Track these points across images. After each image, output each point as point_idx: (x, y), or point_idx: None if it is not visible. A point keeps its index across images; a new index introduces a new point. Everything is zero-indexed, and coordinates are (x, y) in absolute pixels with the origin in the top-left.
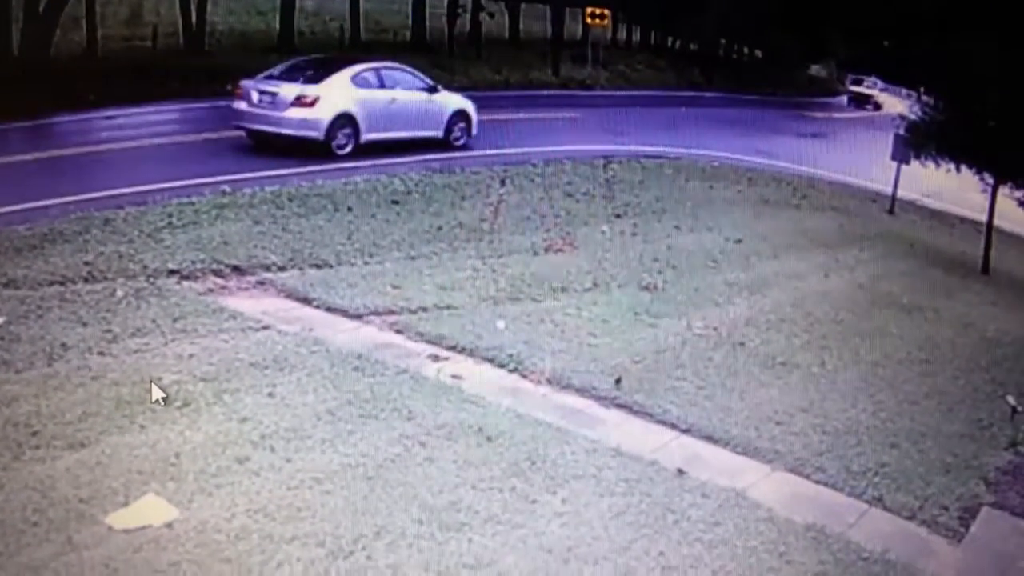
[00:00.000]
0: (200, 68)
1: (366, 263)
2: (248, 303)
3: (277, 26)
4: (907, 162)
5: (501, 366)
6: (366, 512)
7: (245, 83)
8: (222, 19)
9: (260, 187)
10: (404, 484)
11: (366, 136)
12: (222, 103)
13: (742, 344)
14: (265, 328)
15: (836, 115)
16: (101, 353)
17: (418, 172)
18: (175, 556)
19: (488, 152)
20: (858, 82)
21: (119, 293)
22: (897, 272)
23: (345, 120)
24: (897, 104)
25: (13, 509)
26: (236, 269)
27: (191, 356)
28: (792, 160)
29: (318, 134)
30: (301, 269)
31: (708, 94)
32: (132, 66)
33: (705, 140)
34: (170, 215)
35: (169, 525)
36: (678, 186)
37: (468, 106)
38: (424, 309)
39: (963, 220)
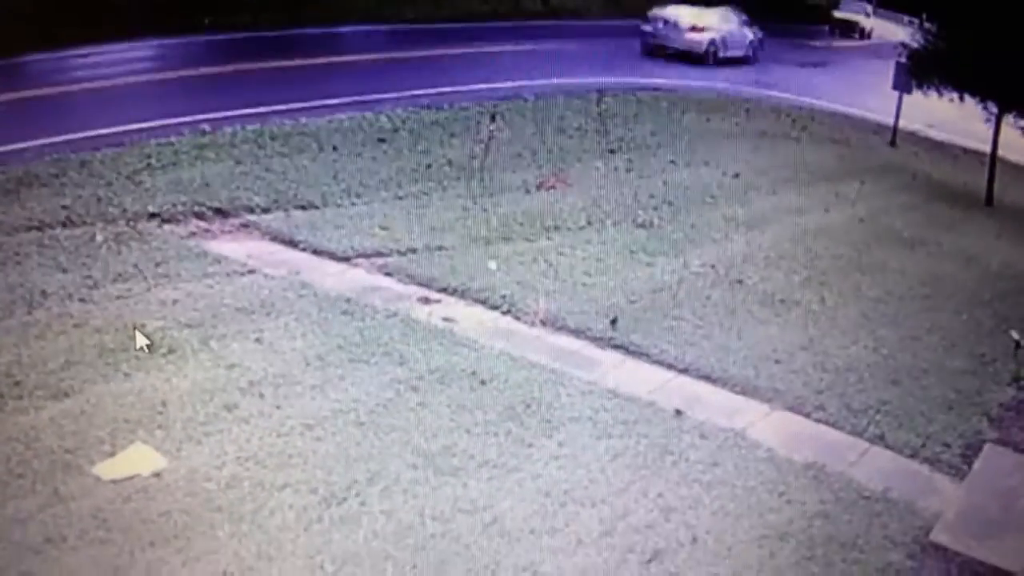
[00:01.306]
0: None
1: (353, 204)
2: (232, 246)
3: None
4: (909, 92)
5: (493, 308)
6: (359, 458)
7: (652, 13)
8: None
9: (241, 126)
10: (397, 429)
11: (721, 54)
12: (200, 39)
13: (740, 282)
14: (251, 272)
15: (837, 44)
16: (82, 300)
17: (404, 108)
18: (165, 506)
19: (477, 87)
20: (836, 4)
21: (99, 238)
22: (898, 205)
23: (715, 43)
24: (896, 31)
25: None
26: (219, 211)
27: (175, 302)
28: (792, 91)
29: (700, 50)
30: (286, 211)
31: None
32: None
33: (702, 71)
34: (149, 156)
35: (158, 474)
36: (674, 119)
37: (758, 35)
38: (413, 250)
39: (967, 151)
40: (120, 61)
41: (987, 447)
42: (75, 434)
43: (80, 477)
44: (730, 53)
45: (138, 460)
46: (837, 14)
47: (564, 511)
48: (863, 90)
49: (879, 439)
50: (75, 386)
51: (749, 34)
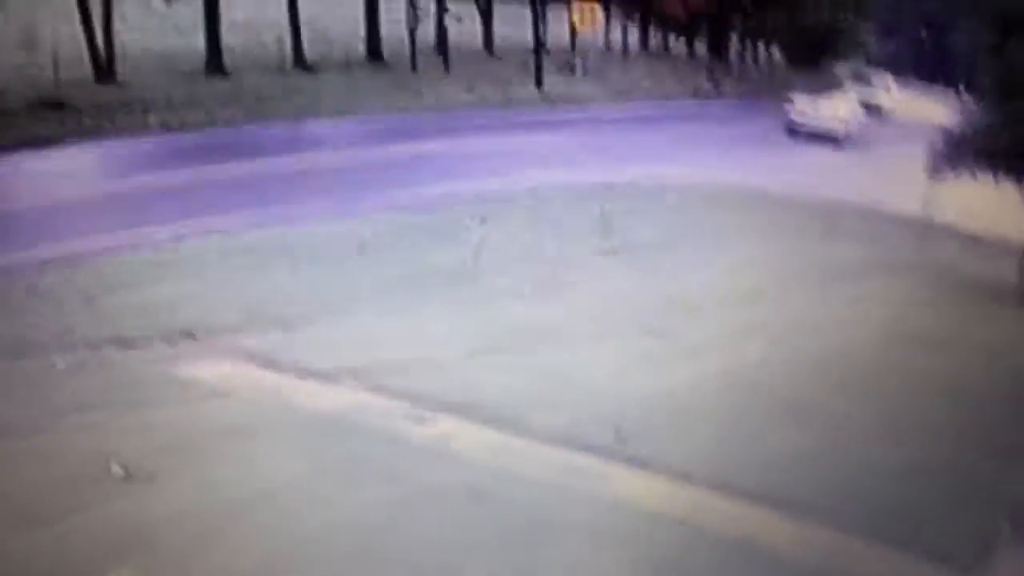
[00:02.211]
0: (113, 102)
1: (334, 319)
2: (204, 370)
3: (202, 45)
4: (944, 179)
5: (493, 424)
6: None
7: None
8: (132, 39)
9: (204, 239)
10: (393, 550)
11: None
12: (148, 141)
13: (757, 389)
14: (226, 395)
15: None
16: (48, 431)
17: (384, 213)
18: None
19: (462, 186)
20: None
21: (59, 366)
22: (926, 303)
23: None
24: (927, 110)
25: None
26: (187, 334)
27: (148, 428)
28: (813, 180)
29: (838, 135)
30: (261, 330)
31: (717, 104)
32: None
33: (714, 160)
34: (104, 276)
35: None
36: (685, 217)
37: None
38: (403, 367)
39: (1003, 242)
40: (43, 173)
41: (1004, 546)
42: (54, 565)
43: None
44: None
45: None
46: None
47: None
48: (891, 178)
49: (897, 544)
50: (51, 515)
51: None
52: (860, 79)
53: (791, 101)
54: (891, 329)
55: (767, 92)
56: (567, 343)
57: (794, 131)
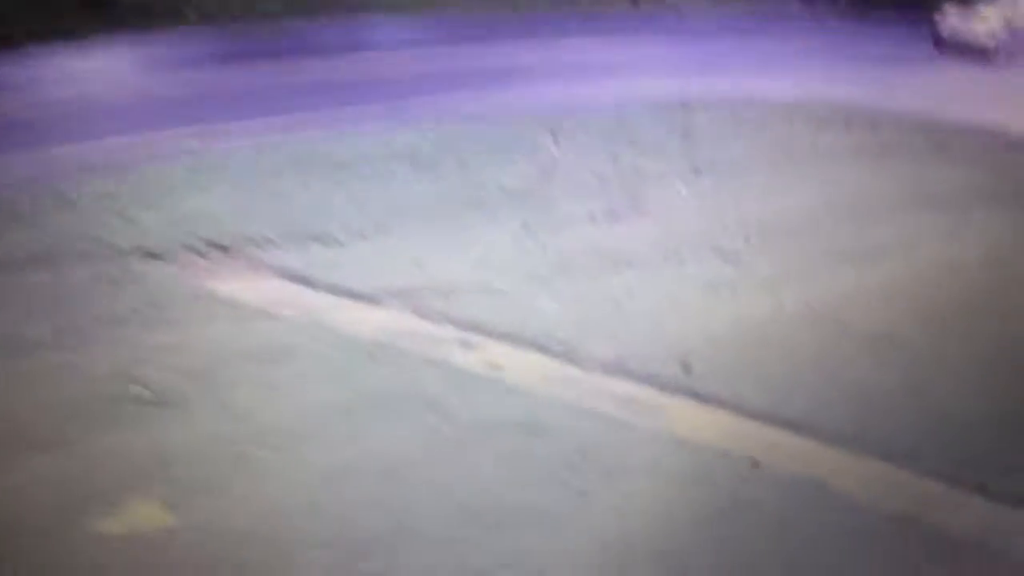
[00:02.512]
0: None
1: (381, 237)
2: (240, 287)
3: None
4: None
5: (548, 353)
6: (391, 511)
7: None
8: None
9: (242, 144)
10: (434, 483)
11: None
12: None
13: (840, 322)
14: (260, 315)
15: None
16: (72, 348)
17: (448, 121)
18: (174, 563)
19: (536, 94)
20: None
21: (86, 279)
22: None
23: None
24: None
25: None
26: (223, 248)
27: (178, 348)
28: (936, 97)
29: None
30: (301, 245)
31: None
32: None
33: (821, 74)
34: (137, 185)
35: (164, 530)
36: (776, 135)
37: None
38: (455, 290)
39: None
40: (80, 70)
41: None
42: (72, 489)
43: (80, 534)
44: None
45: (142, 516)
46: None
47: (620, 564)
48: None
49: (981, 489)
50: (70, 439)
51: None
52: None
53: (940, 11)
54: (1001, 268)
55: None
56: (636, 269)
57: (941, 44)
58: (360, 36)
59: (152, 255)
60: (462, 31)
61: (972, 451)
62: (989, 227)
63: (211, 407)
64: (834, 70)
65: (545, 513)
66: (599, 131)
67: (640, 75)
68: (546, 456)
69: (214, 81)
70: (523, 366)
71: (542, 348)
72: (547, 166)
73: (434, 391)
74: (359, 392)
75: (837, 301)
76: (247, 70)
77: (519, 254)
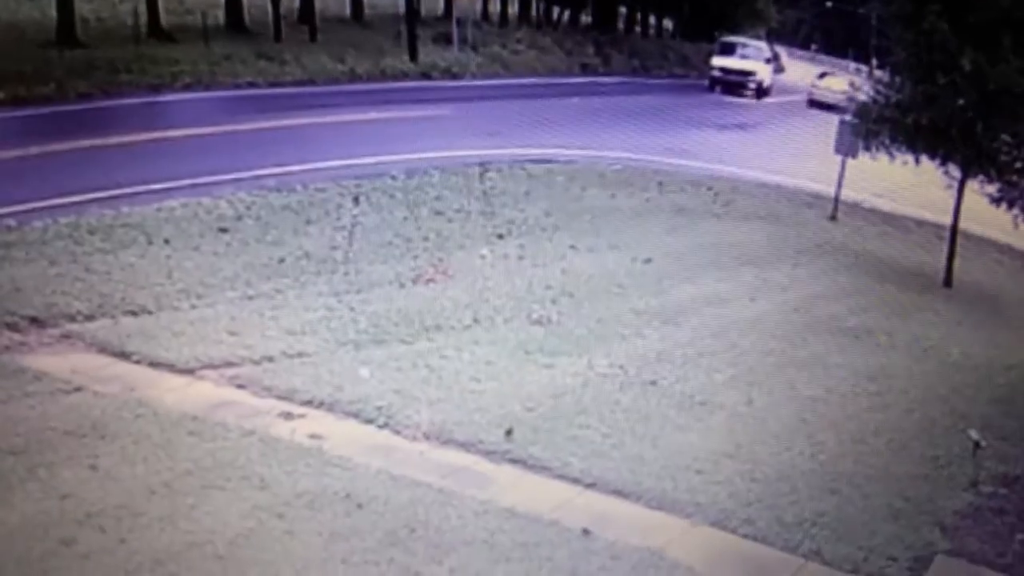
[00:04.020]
0: None
1: (193, 307)
2: (53, 361)
3: (54, 15)
4: (854, 156)
5: (368, 421)
6: None
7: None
8: None
9: (53, 219)
10: (261, 563)
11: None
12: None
13: (654, 383)
14: (77, 390)
15: (768, 100)
16: None
17: (248, 192)
18: None
19: (334, 164)
20: (727, 48)
21: None
22: (840, 290)
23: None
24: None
25: None
26: (34, 321)
27: None
28: (713, 159)
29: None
30: (113, 317)
31: (606, 79)
32: None
33: (604, 138)
34: None
35: None
36: (573, 197)
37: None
38: (270, 359)
39: (922, 224)
40: None
41: (938, 559)
42: None
43: None
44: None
45: None
46: (720, 62)
47: None
48: (796, 154)
49: (815, 554)
50: None
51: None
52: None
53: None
54: (803, 318)
55: (659, 66)
56: (448, 333)
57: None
58: (160, 109)
59: None
60: (252, 102)
61: (802, 515)
62: (793, 280)
63: (33, 487)
64: (612, 130)
65: None
66: (401, 195)
67: (431, 140)
68: (372, 530)
69: (22, 158)
70: (344, 436)
71: (362, 416)
72: (350, 231)
73: (256, 465)
74: (182, 469)
75: (648, 362)
76: (56, 147)
77: (330, 320)
